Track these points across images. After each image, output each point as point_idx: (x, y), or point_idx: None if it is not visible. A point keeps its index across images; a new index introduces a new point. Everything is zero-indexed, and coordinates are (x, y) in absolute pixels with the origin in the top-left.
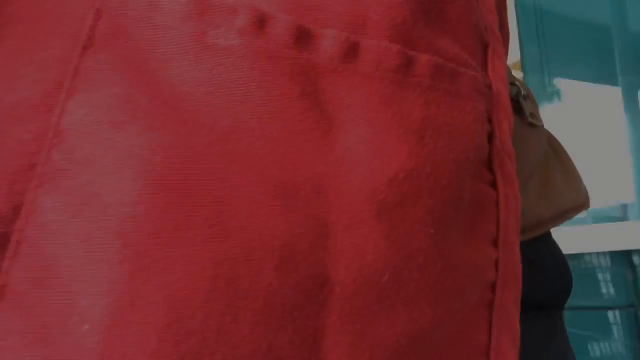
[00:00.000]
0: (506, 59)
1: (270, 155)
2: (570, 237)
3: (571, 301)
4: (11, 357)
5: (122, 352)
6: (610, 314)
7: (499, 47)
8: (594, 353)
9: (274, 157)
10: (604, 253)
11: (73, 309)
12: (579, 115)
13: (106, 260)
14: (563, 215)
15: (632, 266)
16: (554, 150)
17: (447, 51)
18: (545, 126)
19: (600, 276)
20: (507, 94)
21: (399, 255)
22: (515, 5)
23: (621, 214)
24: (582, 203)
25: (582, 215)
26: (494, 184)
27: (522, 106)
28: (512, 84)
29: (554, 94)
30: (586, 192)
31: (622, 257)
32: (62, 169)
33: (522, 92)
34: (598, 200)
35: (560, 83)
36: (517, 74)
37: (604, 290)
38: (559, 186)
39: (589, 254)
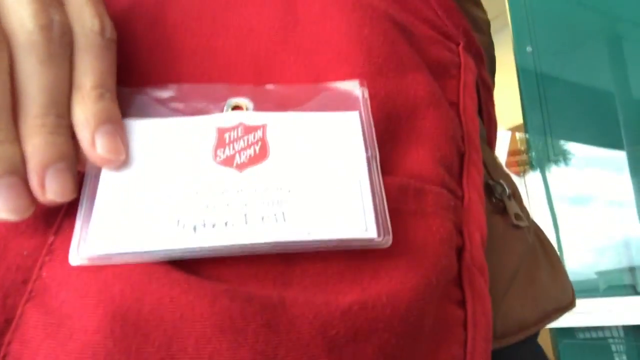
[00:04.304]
0: (494, 147)
1: (225, 284)
2: (583, 309)
3: None
4: None
5: None
6: None
7: (475, 155)
8: None
9: (228, 287)
10: (616, 327)
11: None
12: (584, 179)
13: None
14: (548, 316)
15: None
16: (542, 245)
17: (414, 168)
18: (547, 189)
19: (614, 348)
20: (480, 203)
21: None
22: (517, 70)
23: (632, 283)
24: (567, 303)
25: (594, 285)
26: (462, 303)
27: (506, 207)
28: (498, 182)
29: (558, 158)
30: (572, 290)
31: (636, 331)
32: (47, 287)
33: (508, 192)
34: (605, 267)
35: (565, 147)
36: (521, 135)
37: None
38: (545, 285)
39: (602, 327)
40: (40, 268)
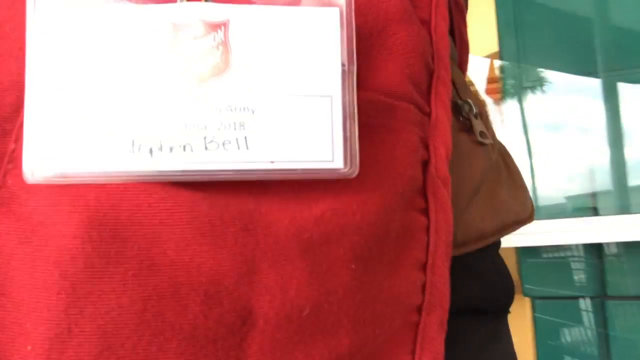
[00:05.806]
0: (465, 68)
1: (201, 192)
2: (546, 229)
3: (546, 291)
4: None
5: None
6: (581, 302)
7: (444, 73)
8: (565, 339)
9: (205, 194)
10: (577, 245)
11: (20, 328)
12: (559, 106)
13: (46, 288)
14: (506, 228)
15: (602, 257)
16: (506, 164)
17: (383, 84)
18: (523, 116)
19: (573, 266)
20: (447, 120)
21: (320, 290)
22: None
23: (594, 206)
24: (526, 217)
25: (558, 208)
26: (426, 211)
27: (472, 125)
28: (465, 101)
29: (534, 84)
30: (531, 206)
31: (594, 249)
32: (14, 195)
33: (474, 110)
34: (573, 192)
35: (541, 74)
36: (496, 62)
37: (576, 280)
38: (505, 200)
39: (564, 246)
40: (4, 176)
